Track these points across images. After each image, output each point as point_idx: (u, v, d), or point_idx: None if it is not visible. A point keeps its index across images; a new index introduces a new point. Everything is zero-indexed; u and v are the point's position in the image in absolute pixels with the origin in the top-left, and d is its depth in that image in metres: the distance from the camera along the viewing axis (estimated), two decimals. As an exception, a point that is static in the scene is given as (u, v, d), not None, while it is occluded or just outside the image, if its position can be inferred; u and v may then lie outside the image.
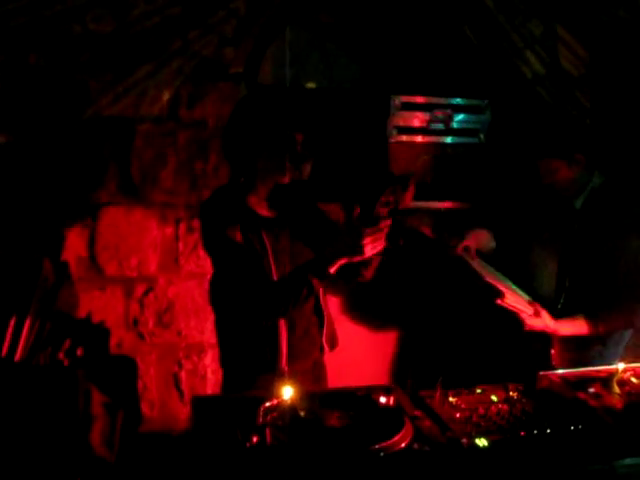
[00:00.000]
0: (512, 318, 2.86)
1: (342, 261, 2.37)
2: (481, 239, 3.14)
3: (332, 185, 3.48)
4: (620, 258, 2.88)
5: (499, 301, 2.79)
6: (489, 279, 2.88)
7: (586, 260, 2.94)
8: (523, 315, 2.84)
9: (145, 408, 3.45)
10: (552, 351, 3.00)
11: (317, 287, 2.45)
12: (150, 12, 3.06)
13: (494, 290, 2.81)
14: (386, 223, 2.34)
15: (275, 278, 2.49)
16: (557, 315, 2.91)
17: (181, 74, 3.22)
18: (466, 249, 3.08)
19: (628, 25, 3.61)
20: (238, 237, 2.44)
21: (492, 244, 3.17)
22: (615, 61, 3.68)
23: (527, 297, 2.90)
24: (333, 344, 2.74)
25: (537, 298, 2.92)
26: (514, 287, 2.95)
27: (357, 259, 2.37)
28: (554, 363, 2.96)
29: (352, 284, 2.69)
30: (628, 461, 1.99)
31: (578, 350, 2.95)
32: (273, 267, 2.48)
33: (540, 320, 2.85)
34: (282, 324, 2.53)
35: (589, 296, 2.93)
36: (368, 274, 2.62)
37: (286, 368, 2.52)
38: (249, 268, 2.45)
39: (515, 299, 2.83)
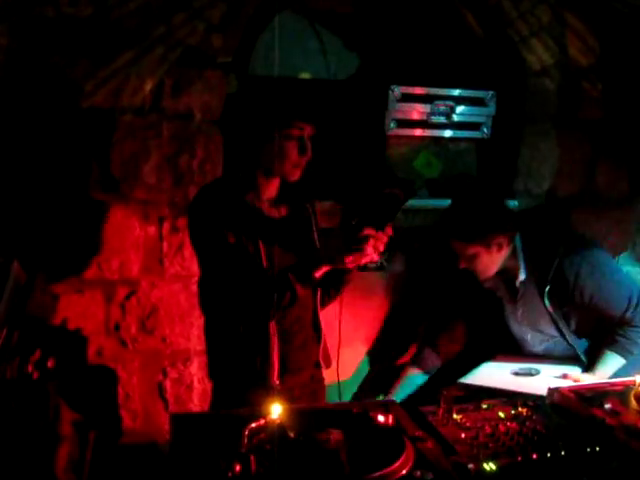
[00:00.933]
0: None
1: (325, 268, 2.33)
2: None
3: (327, 182, 3.33)
4: (603, 305, 2.87)
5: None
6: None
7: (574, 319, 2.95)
8: None
9: (127, 419, 3.32)
10: None
11: (311, 299, 2.47)
12: None
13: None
14: (373, 237, 2.28)
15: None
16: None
17: (165, 62, 3.06)
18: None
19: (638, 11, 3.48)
20: (231, 237, 2.35)
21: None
22: (627, 51, 3.53)
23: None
24: (328, 362, 2.65)
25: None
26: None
27: (340, 266, 2.33)
28: None
29: (332, 297, 2.64)
30: (652, 490, 1.83)
31: None
32: (265, 269, 2.39)
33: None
34: (274, 333, 2.42)
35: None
36: (345, 286, 2.60)
37: (277, 382, 2.42)
38: (239, 269, 2.36)
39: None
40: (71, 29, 2.89)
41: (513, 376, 2.96)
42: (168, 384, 3.37)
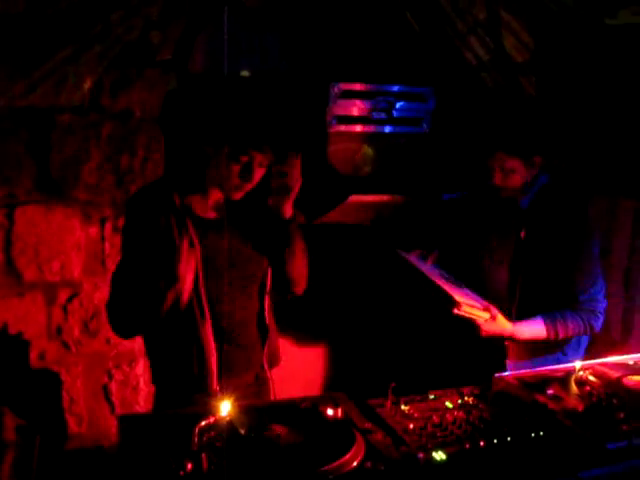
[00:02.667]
0: (467, 325, 2.79)
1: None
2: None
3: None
4: (575, 261, 2.84)
5: (455, 311, 2.71)
6: (444, 286, 2.81)
7: (537, 265, 2.87)
8: (479, 321, 2.75)
9: (72, 424, 3.28)
10: (507, 361, 2.93)
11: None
12: None
13: (449, 299, 2.72)
14: None
15: (202, 290, 2.35)
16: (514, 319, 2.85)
17: (103, 60, 3.03)
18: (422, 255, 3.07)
19: (572, 12, 3.56)
20: (165, 237, 2.30)
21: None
22: (559, 48, 3.61)
23: (482, 301, 2.82)
24: (272, 363, 2.62)
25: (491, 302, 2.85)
26: (468, 291, 2.88)
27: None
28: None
29: (286, 298, 2.62)
30: (595, 472, 1.88)
31: (534, 358, 2.89)
32: (201, 273, 2.34)
33: (497, 324, 2.77)
34: (210, 336, 2.38)
35: (544, 301, 2.86)
36: (298, 289, 2.57)
37: (217, 387, 2.37)
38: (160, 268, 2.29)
39: (470, 306, 2.75)
40: (3, 26, 2.84)
41: (440, 276, 2.98)
42: (114, 386, 3.35)
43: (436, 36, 3.59)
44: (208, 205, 2.42)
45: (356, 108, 3.51)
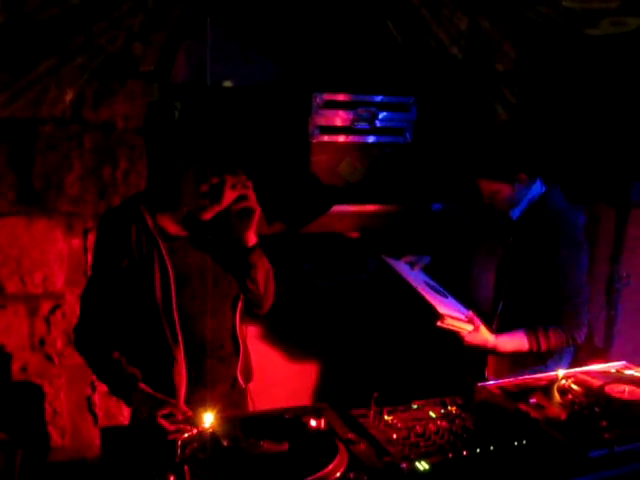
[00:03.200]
0: (449, 335, 2.78)
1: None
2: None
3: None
4: (560, 271, 2.82)
5: (439, 323, 2.70)
6: (428, 297, 2.81)
7: (522, 274, 2.87)
8: (462, 332, 2.75)
9: (56, 436, 3.28)
10: (486, 372, 2.92)
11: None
12: (47, 2, 2.87)
13: (433, 312, 2.72)
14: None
15: (174, 310, 2.34)
16: (496, 330, 2.84)
17: (85, 71, 3.04)
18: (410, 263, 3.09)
19: (552, 22, 3.61)
20: (134, 253, 2.29)
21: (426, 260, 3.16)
22: (540, 57, 3.66)
23: (466, 311, 2.82)
24: (248, 378, 2.59)
25: (476, 311, 2.84)
26: (452, 300, 2.91)
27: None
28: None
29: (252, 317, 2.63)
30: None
31: (516, 370, 2.84)
32: (174, 294, 2.32)
33: (479, 335, 2.75)
34: (181, 351, 2.36)
35: (528, 311, 2.86)
36: (260, 311, 2.56)
37: (181, 400, 2.32)
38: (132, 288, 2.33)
39: (454, 318, 2.74)
40: None
41: (424, 284, 3.00)
42: (97, 398, 3.34)
43: (418, 46, 3.61)
44: (180, 223, 2.37)
45: (339, 118, 3.52)
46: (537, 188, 2.88)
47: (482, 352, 2.84)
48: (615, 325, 3.69)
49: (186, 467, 1.69)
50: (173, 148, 2.31)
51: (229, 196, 2.27)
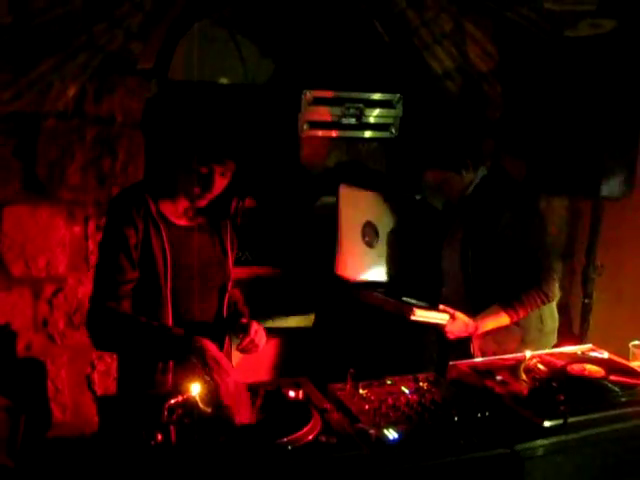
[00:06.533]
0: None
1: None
2: None
3: (245, 181, 3.47)
4: (512, 233, 2.93)
5: (412, 317, 2.85)
6: (399, 302, 2.98)
7: (481, 247, 2.99)
8: (441, 324, 2.88)
9: (57, 412, 3.39)
10: (472, 350, 3.03)
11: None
12: (52, 4, 2.97)
13: (404, 309, 2.87)
14: None
15: (169, 287, 2.46)
16: (473, 312, 2.95)
17: (87, 69, 3.15)
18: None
19: (532, 23, 3.73)
20: (140, 235, 2.42)
21: None
22: (521, 57, 3.79)
23: (436, 307, 2.94)
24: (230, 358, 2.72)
25: (451, 302, 2.98)
26: (421, 303, 3.00)
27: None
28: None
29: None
30: (529, 444, 2.06)
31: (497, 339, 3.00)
32: (169, 278, 2.45)
33: (459, 322, 2.88)
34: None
35: (496, 284, 2.98)
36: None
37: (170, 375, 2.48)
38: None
39: (425, 309, 2.89)
40: None
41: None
42: (96, 377, 3.45)
43: (404, 46, 3.74)
44: (179, 211, 2.52)
45: (327, 114, 3.67)
46: (483, 171, 3.03)
47: (468, 337, 2.96)
48: (590, 313, 3.82)
49: (172, 427, 1.85)
50: (167, 141, 2.48)
51: (220, 184, 2.42)
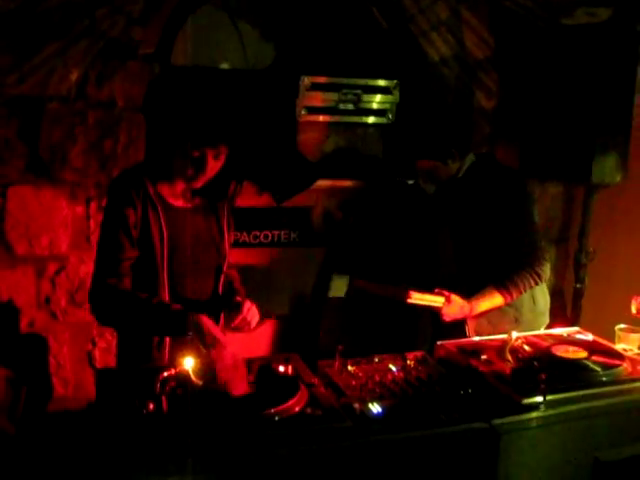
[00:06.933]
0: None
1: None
2: None
3: (246, 164, 3.53)
4: (504, 216, 2.99)
5: (408, 300, 2.91)
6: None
7: (474, 231, 3.05)
8: (437, 306, 2.94)
9: (59, 386, 3.47)
10: (467, 330, 3.08)
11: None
12: None
13: (400, 293, 2.93)
14: None
15: (165, 266, 2.54)
16: (468, 294, 3.00)
17: (89, 53, 3.22)
18: None
19: (529, 11, 3.79)
20: (139, 214, 2.49)
21: None
22: (517, 44, 3.84)
23: (433, 292, 2.99)
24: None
25: (445, 284, 3.02)
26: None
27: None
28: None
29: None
30: (506, 419, 2.13)
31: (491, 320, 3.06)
32: (165, 257, 2.53)
33: (454, 305, 2.94)
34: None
35: (489, 266, 3.04)
36: None
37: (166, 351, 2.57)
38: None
39: (421, 292, 2.94)
40: None
41: None
42: (97, 353, 3.53)
43: (401, 33, 3.79)
44: (176, 192, 2.59)
45: (325, 99, 3.73)
46: (471, 158, 3.08)
47: (463, 319, 3.02)
48: (582, 297, 3.89)
49: (164, 397, 1.94)
50: (164, 124, 2.55)
51: (213, 166, 2.49)
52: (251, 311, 2.55)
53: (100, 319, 2.58)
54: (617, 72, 3.49)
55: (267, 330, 3.89)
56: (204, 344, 2.26)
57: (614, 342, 2.73)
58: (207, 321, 2.33)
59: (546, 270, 3.04)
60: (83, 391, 3.49)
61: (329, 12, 3.80)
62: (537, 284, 3.05)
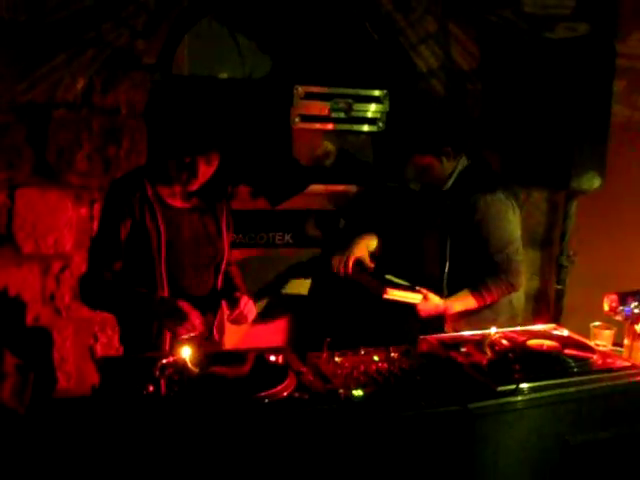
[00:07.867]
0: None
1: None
2: (368, 244, 3.41)
3: (242, 169, 3.68)
4: (487, 228, 3.11)
5: (385, 296, 3.05)
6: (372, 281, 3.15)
7: (459, 237, 3.17)
8: (413, 303, 3.07)
9: (62, 379, 3.56)
10: (445, 327, 3.20)
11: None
12: (64, 3, 3.19)
13: (378, 288, 3.07)
14: None
15: (163, 263, 2.67)
16: (446, 294, 3.15)
17: (95, 63, 3.34)
18: (358, 262, 3.34)
19: (513, 25, 3.95)
20: (137, 215, 2.63)
21: (375, 243, 3.43)
22: (501, 56, 3.97)
23: (413, 287, 3.12)
24: (221, 332, 2.94)
25: (428, 283, 3.15)
26: (403, 283, 3.18)
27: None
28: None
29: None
30: (481, 403, 2.27)
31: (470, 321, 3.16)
32: (163, 253, 2.66)
33: (430, 303, 3.08)
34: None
35: (469, 270, 3.17)
36: None
37: (166, 343, 2.69)
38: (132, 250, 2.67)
39: (398, 289, 3.07)
40: (9, 32, 3.17)
41: None
42: (99, 348, 3.62)
43: (391, 45, 3.92)
44: (175, 193, 2.74)
45: (318, 108, 3.86)
46: (463, 162, 3.20)
47: (442, 319, 3.16)
48: (563, 297, 4.02)
49: (162, 381, 2.08)
50: (162, 131, 2.70)
51: (205, 171, 2.64)
52: (248, 306, 2.71)
53: (87, 302, 2.76)
54: (595, 84, 3.60)
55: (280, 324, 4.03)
56: (173, 324, 2.48)
57: (589, 339, 2.85)
58: (181, 303, 2.52)
59: (519, 281, 3.18)
60: (86, 384, 3.50)
61: (323, 25, 3.93)
62: (510, 293, 3.19)
